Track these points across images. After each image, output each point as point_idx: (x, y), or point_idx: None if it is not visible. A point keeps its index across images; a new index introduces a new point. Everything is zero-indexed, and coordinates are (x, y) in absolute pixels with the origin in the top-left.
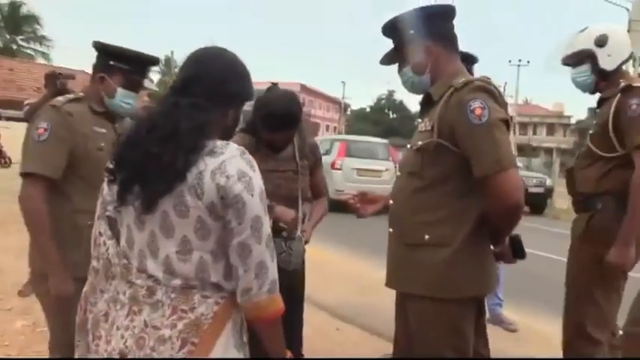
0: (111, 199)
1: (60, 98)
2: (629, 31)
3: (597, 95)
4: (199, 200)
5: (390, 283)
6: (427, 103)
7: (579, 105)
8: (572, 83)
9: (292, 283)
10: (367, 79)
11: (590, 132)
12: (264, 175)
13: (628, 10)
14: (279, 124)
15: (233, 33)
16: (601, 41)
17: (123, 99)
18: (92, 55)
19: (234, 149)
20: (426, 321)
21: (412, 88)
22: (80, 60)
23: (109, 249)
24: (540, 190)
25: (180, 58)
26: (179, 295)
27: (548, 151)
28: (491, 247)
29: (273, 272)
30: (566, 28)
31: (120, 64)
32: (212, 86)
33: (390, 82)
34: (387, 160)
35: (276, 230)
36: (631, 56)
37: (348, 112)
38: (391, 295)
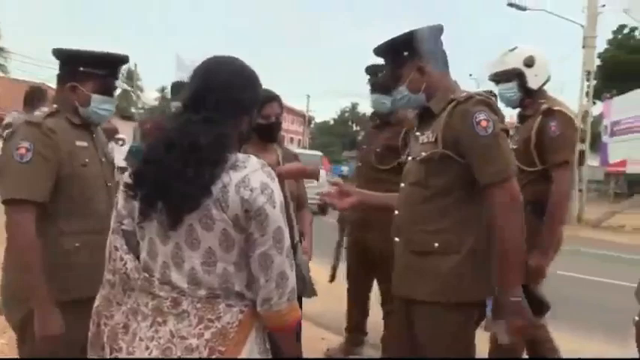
0: (127, 213)
1: (37, 114)
2: (584, 47)
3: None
4: (224, 213)
5: (397, 290)
6: (425, 117)
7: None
8: (499, 98)
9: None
10: (331, 93)
11: (513, 147)
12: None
13: (582, 26)
14: (265, 99)
15: (197, 45)
16: (529, 61)
17: (99, 105)
18: (52, 67)
19: (255, 162)
20: (434, 326)
21: (408, 104)
22: (40, 72)
23: (127, 263)
24: None
25: (142, 71)
26: (205, 304)
27: None
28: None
29: (292, 281)
30: (523, 43)
31: (91, 69)
32: (222, 98)
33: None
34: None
35: None
36: (549, 78)
37: (312, 125)
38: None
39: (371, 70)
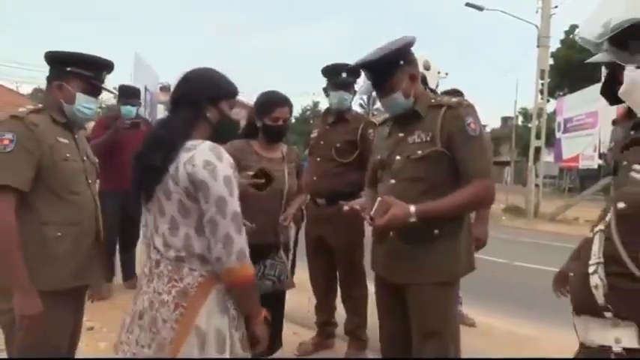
0: None
1: (21, 109)
2: (538, 46)
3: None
4: (177, 186)
5: (395, 277)
6: (407, 119)
7: (493, 114)
8: None
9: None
10: (293, 90)
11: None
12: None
13: (537, 26)
14: (277, 102)
15: (157, 45)
16: (427, 65)
17: (83, 104)
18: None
19: (205, 146)
20: (432, 303)
21: (398, 110)
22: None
23: (142, 235)
24: None
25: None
26: (173, 267)
27: None
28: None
29: (239, 243)
30: (480, 43)
31: (77, 69)
32: (178, 97)
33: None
34: None
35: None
36: (439, 83)
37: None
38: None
39: (330, 69)
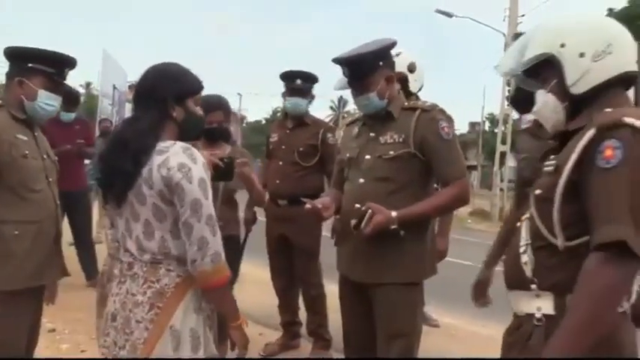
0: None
1: None
2: None
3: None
4: (152, 190)
5: (361, 277)
6: (380, 120)
7: (461, 119)
8: None
9: None
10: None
11: None
12: None
13: (504, 34)
14: (209, 108)
15: (125, 42)
16: (412, 67)
17: (45, 101)
18: None
19: (178, 147)
20: (400, 305)
21: (372, 109)
22: None
23: (109, 237)
24: None
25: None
26: (149, 268)
27: None
28: None
29: (214, 245)
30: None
31: (40, 65)
32: (144, 96)
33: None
34: None
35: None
36: (423, 86)
37: (245, 125)
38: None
39: (286, 76)
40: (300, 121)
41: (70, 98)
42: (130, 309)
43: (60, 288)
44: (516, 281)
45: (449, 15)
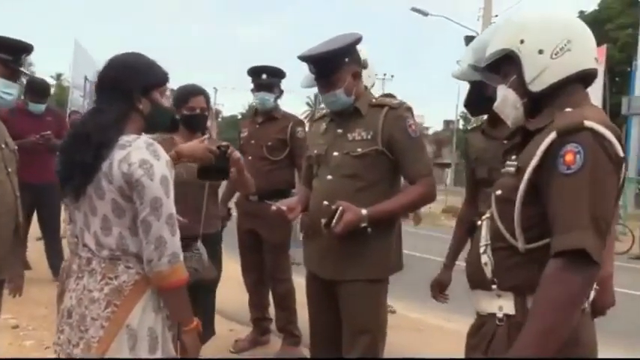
0: None
1: None
2: None
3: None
4: (111, 184)
5: (327, 273)
6: (346, 117)
7: (436, 117)
8: None
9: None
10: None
11: None
12: (182, 165)
13: (478, 33)
14: (191, 92)
15: (97, 32)
16: (365, 63)
17: (4, 89)
18: None
19: (140, 142)
20: (366, 302)
21: (339, 106)
22: None
23: (68, 232)
24: None
25: (36, 56)
26: (108, 265)
27: None
28: None
29: (172, 246)
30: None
31: None
32: (109, 89)
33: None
34: None
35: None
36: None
37: (220, 119)
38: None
39: (252, 71)
40: (269, 115)
41: (39, 89)
42: (85, 305)
43: (25, 283)
44: (477, 281)
45: (424, 13)
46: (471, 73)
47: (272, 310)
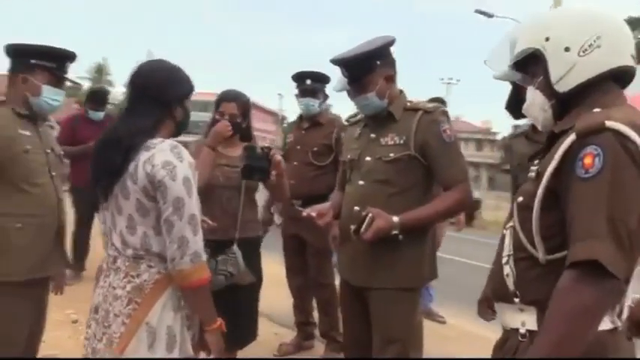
0: None
1: None
2: None
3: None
4: (135, 185)
5: (358, 281)
6: (381, 121)
7: (505, 122)
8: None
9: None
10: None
11: None
12: (219, 169)
13: None
14: (224, 98)
15: (170, 42)
16: None
17: (50, 96)
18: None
19: (165, 145)
20: (394, 309)
21: (372, 110)
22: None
23: (102, 231)
24: None
25: (113, 64)
26: (131, 263)
27: (477, 165)
28: None
29: (194, 245)
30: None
31: (42, 61)
32: (149, 96)
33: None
34: None
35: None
36: None
37: (285, 125)
38: None
39: (296, 77)
40: (314, 121)
41: (98, 97)
42: (110, 302)
43: (86, 280)
44: (500, 293)
45: (489, 15)
46: (512, 73)
47: (316, 315)
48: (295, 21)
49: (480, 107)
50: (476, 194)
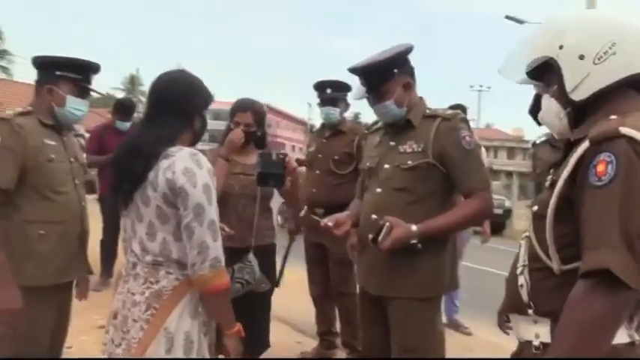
0: None
1: (9, 112)
2: None
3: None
4: (156, 192)
5: (377, 290)
6: (399, 129)
7: (537, 130)
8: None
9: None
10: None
11: None
12: (234, 177)
13: None
14: (239, 107)
15: (199, 51)
16: None
17: (74, 106)
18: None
19: (185, 153)
20: (413, 318)
21: (391, 118)
22: None
23: (122, 238)
24: (500, 211)
25: (145, 75)
26: (150, 269)
27: (509, 174)
28: None
29: (214, 251)
30: None
31: (67, 72)
32: (172, 107)
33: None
34: None
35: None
36: None
37: (313, 132)
38: None
39: (317, 86)
40: (335, 129)
41: (124, 109)
42: (128, 308)
43: (113, 287)
44: (514, 305)
45: (519, 21)
46: (529, 80)
47: (339, 324)
48: (331, 31)
49: (512, 115)
50: (507, 203)
